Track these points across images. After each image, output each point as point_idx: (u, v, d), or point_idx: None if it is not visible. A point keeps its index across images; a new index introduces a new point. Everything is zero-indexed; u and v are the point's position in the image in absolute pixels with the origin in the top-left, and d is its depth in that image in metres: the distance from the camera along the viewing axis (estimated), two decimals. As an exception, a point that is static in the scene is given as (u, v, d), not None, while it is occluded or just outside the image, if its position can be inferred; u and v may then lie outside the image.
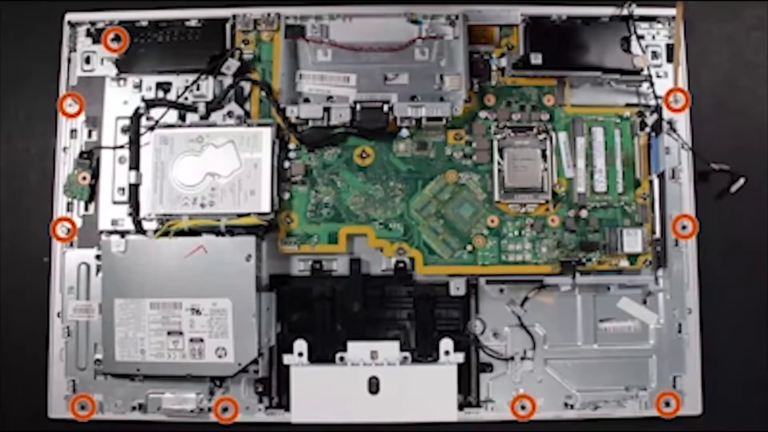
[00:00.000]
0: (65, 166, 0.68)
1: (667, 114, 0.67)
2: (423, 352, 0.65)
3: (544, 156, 0.66)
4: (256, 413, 0.66)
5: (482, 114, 0.67)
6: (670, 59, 0.69)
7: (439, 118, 0.65)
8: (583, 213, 0.66)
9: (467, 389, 0.66)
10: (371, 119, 0.65)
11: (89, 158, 0.67)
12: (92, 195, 0.67)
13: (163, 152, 0.65)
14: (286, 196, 0.66)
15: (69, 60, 0.69)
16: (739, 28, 0.72)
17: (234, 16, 0.68)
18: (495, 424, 0.66)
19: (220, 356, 0.63)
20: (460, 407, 0.65)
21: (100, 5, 0.69)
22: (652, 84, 0.67)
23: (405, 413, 0.64)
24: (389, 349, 0.64)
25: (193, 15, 0.68)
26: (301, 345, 0.64)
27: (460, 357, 0.64)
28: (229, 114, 0.67)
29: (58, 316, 0.67)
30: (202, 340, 0.63)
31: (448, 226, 0.66)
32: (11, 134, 0.71)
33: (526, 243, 0.66)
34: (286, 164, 0.67)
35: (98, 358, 0.66)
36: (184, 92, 0.67)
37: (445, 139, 0.67)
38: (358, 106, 0.65)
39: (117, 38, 0.67)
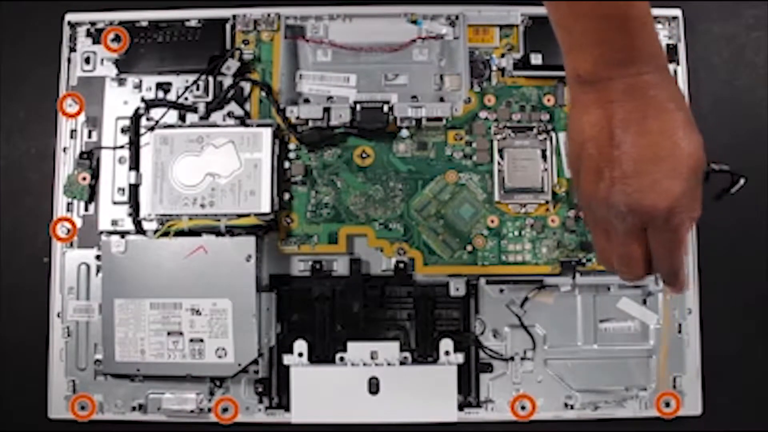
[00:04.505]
0: (65, 166, 0.68)
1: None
2: (423, 353, 0.65)
3: (544, 156, 0.66)
4: (256, 413, 0.66)
5: (482, 114, 0.67)
6: (670, 60, 0.68)
7: (439, 119, 0.65)
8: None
9: (467, 389, 0.66)
10: (371, 119, 0.65)
11: (89, 158, 0.67)
12: (92, 195, 0.67)
13: (163, 152, 0.65)
14: (286, 196, 0.66)
15: (69, 60, 0.69)
16: (739, 28, 0.72)
17: (234, 17, 0.68)
18: (495, 424, 0.66)
19: (220, 356, 0.63)
20: (460, 407, 0.65)
21: (100, 5, 0.69)
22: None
23: (405, 413, 0.64)
24: (389, 349, 0.64)
25: (193, 15, 0.68)
26: (301, 345, 0.64)
27: (460, 357, 0.64)
28: (229, 114, 0.67)
29: (58, 316, 0.66)
30: (202, 341, 0.63)
31: (448, 226, 0.66)
32: (11, 134, 0.71)
33: (526, 243, 0.66)
34: (286, 164, 0.67)
35: (98, 358, 0.66)
36: (184, 92, 0.67)
37: (445, 139, 0.67)
38: (358, 107, 0.65)
39: (117, 38, 0.67)
